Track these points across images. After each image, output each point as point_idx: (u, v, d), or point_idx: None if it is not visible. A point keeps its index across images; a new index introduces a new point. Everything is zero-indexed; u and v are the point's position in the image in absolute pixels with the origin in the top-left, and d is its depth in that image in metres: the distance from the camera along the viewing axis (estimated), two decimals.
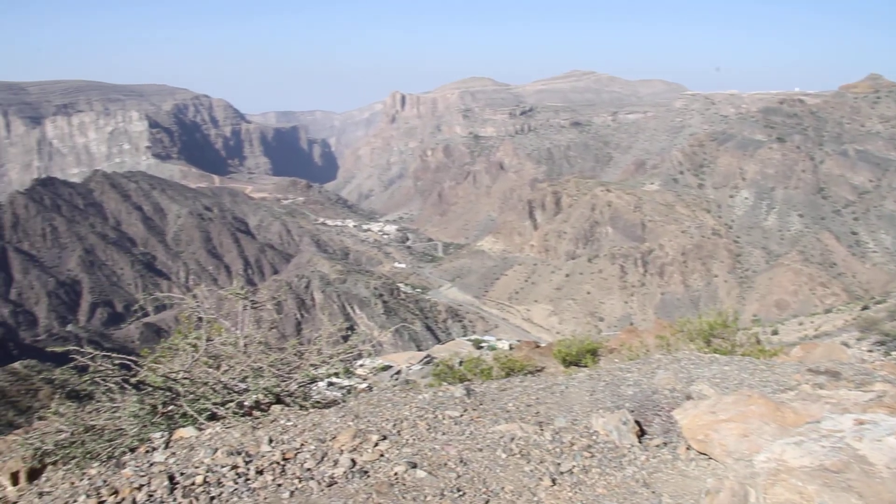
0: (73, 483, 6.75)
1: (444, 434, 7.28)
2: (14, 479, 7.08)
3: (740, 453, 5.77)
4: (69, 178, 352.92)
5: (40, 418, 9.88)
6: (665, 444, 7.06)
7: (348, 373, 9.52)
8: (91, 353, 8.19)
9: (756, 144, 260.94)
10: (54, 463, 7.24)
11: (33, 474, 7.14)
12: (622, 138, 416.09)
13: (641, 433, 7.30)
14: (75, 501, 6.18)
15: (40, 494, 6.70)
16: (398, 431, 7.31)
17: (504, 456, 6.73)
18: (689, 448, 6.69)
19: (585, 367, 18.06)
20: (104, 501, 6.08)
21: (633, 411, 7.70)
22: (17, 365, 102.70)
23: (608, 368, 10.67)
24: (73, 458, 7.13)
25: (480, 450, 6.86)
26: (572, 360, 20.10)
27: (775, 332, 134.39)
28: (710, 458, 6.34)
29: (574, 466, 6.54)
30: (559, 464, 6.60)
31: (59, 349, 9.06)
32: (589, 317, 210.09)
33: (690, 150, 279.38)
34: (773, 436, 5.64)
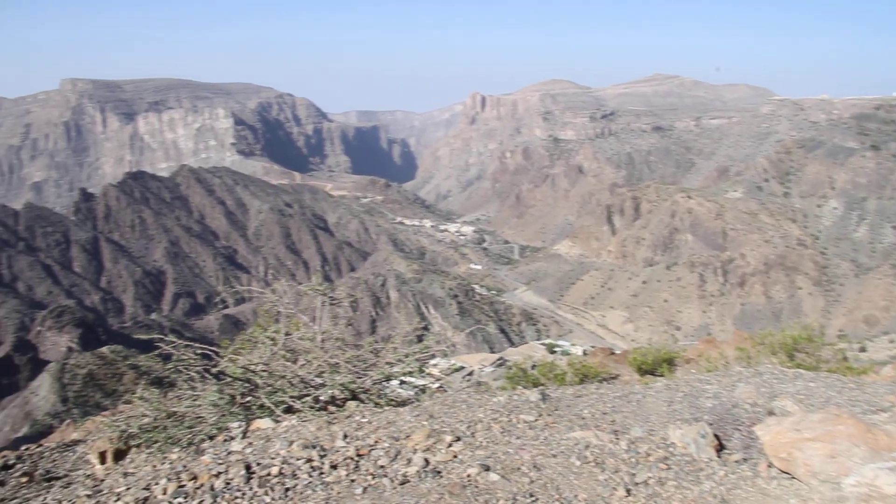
0: (155, 466, 6.99)
1: (518, 438, 7.23)
2: (102, 458, 7.39)
3: (827, 475, 5.53)
4: (158, 172, 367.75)
5: (126, 402, 10.26)
6: (745, 460, 6.83)
7: (421, 372, 9.56)
8: (175, 342, 8.45)
9: (847, 152, 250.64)
10: (138, 446, 7.52)
11: (119, 455, 7.43)
12: (705, 144, 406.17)
13: (720, 447, 7.08)
14: (157, 484, 6.37)
15: (125, 475, 6.97)
16: (472, 433, 7.29)
17: (578, 463, 6.63)
18: (770, 466, 6.45)
19: (661, 376, 17.72)
20: (184, 486, 6.24)
21: (711, 424, 7.48)
22: (105, 350, 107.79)
23: (686, 379, 10.39)
24: (156, 442, 7.39)
25: (554, 456, 6.78)
26: (648, 369, 19.77)
27: (863, 349, 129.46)
28: (794, 478, 6.09)
29: (649, 478, 6.39)
30: (634, 474, 6.46)
31: (144, 336, 9.41)
32: (665, 325, 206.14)
33: (777, 157, 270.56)
34: (863, 459, 5.39)
